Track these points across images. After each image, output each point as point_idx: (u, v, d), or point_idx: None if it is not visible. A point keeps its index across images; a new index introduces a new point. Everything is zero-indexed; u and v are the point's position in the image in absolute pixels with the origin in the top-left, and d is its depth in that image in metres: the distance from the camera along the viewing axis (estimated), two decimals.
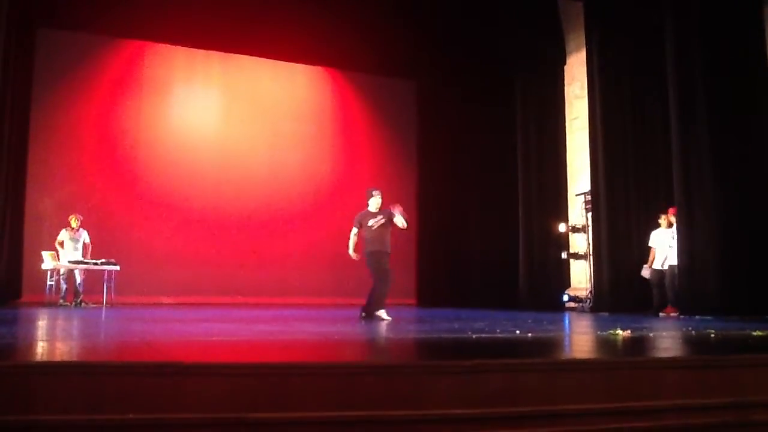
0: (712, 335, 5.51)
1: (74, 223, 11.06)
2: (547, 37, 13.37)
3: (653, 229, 10.23)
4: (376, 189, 7.89)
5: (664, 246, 10.03)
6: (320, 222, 14.71)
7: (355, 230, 7.79)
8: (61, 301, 10.80)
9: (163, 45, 14.13)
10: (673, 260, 9.89)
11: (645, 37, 10.85)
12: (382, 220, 7.74)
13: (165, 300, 12.81)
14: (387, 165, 15.78)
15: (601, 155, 11.23)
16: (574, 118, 13.29)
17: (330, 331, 5.79)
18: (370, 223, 7.71)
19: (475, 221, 14.41)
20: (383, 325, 6.56)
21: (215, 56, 14.54)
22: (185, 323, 6.69)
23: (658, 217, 10.16)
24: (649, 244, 10.18)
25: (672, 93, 9.79)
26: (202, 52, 14.39)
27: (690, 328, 6.34)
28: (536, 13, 13.20)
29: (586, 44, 11.89)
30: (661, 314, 9.65)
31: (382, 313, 7.46)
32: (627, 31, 11.18)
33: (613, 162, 11.12)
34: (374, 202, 7.79)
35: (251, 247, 14.09)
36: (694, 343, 4.92)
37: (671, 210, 9.89)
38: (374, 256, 7.70)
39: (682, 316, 9.13)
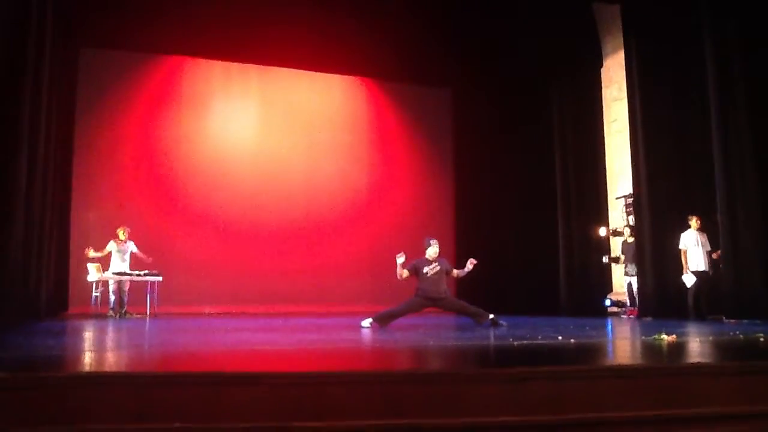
0: (762, 339, 5.38)
1: (122, 236, 11.25)
2: (583, 40, 13.22)
3: (683, 231, 10.01)
4: (433, 239, 8.13)
5: (694, 247, 9.83)
6: (358, 230, 14.78)
7: (403, 273, 7.87)
8: (111, 312, 10.96)
9: (201, 60, 14.36)
10: (702, 265, 9.71)
11: (683, 36, 10.64)
12: (437, 268, 7.97)
13: (206, 309, 12.97)
14: (423, 172, 15.79)
15: (642, 158, 11.03)
16: (613, 121, 13.12)
17: (370, 339, 5.80)
18: (425, 270, 7.94)
19: (514, 226, 14.26)
20: (422, 334, 6.54)
21: (252, 69, 14.74)
22: (227, 332, 6.77)
23: (688, 219, 9.95)
24: (680, 247, 9.95)
25: (712, 93, 9.61)
26: (238, 65, 14.60)
27: (738, 333, 6.19)
28: (571, 17, 13.05)
29: (624, 46, 11.69)
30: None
31: (366, 321, 7.62)
32: (665, 32, 10.97)
33: (654, 164, 10.90)
34: (431, 251, 8.02)
35: (290, 256, 14.19)
36: (743, 348, 4.80)
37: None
38: (427, 301, 7.92)
39: (727, 320, 8.93)
